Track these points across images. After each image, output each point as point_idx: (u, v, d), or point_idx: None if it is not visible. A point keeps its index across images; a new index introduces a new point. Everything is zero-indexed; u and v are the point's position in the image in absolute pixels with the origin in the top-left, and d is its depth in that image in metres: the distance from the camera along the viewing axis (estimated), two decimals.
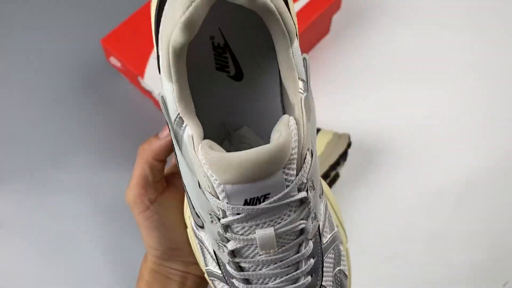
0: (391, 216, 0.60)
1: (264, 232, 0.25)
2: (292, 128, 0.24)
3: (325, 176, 0.57)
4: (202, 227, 0.29)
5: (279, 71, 0.27)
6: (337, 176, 0.61)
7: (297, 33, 0.27)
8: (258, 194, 0.24)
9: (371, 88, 0.66)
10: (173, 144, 0.27)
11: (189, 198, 0.28)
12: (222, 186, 0.23)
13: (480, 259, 0.57)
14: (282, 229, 0.25)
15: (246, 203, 0.24)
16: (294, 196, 0.24)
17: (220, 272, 0.29)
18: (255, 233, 0.25)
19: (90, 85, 0.61)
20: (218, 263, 0.29)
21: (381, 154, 0.62)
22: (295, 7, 0.59)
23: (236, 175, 0.23)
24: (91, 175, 0.55)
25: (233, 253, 0.27)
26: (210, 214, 0.26)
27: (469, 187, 0.59)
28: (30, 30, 0.63)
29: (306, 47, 0.67)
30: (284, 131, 0.23)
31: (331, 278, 0.30)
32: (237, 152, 0.23)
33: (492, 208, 0.58)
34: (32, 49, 0.63)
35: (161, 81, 0.27)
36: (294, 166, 0.24)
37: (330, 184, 0.60)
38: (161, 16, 0.25)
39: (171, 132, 0.26)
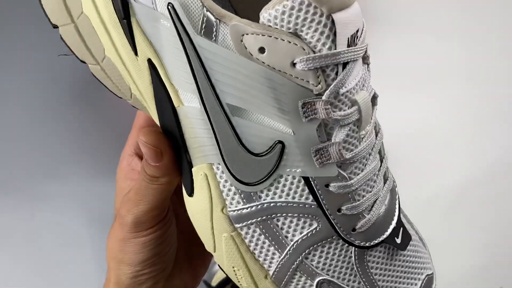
0: None
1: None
2: None
3: None
4: (264, 179, 0.23)
5: None
6: None
7: None
8: (356, 27, 0.22)
9: None
10: (195, 73, 0.22)
11: (239, 142, 0.23)
12: (330, 19, 0.20)
13: (474, 264, 0.56)
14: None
15: (348, 43, 0.21)
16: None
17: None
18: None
19: (81, 94, 0.59)
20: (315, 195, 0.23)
21: None
22: None
23: None
24: (83, 185, 0.55)
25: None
26: (304, 107, 0.21)
27: (462, 193, 0.59)
28: (19, 38, 0.61)
29: None
30: None
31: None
32: None
33: (485, 213, 0.59)
34: (21, 57, 0.60)
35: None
36: None
37: None
38: None
39: (192, 50, 0.22)
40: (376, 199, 0.24)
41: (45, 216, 0.55)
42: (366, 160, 0.24)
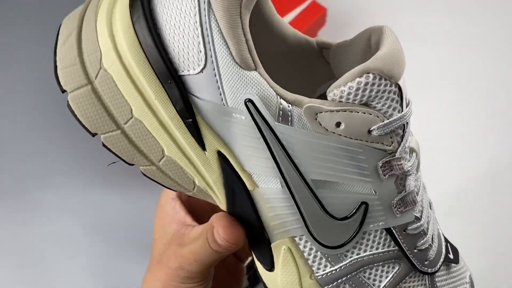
0: None
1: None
2: None
3: None
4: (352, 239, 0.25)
5: None
6: None
7: None
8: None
9: None
10: (275, 155, 0.23)
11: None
12: (397, 87, 0.23)
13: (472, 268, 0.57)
14: None
15: (406, 103, 0.24)
16: None
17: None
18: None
19: None
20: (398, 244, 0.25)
21: None
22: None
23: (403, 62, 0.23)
24: (78, 196, 0.56)
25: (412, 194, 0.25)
26: (383, 166, 0.23)
27: (460, 199, 0.58)
28: (14, 48, 0.64)
29: None
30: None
31: None
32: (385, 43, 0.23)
33: (482, 219, 0.58)
34: (16, 65, 0.63)
35: (228, 97, 0.22)
36: None
37: None
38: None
39: (273, 138, 0.23)
40: (432, 228, 0.27)
41: (41, 226, 0.55)
42: (422, 195, 0.26)
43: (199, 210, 0.31)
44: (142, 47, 0.22)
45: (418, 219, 0.25)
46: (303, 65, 0.27)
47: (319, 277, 0.25)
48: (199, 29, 0.21)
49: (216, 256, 0.27)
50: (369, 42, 0.24)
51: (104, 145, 0.24)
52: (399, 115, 0.22)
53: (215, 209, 0.31)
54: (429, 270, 0.26)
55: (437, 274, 0.27)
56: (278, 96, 0.22)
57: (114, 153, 0.24)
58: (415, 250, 0.25)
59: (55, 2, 0.67)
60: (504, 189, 0.58)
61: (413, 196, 0.24)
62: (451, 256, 0.28)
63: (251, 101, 0.21)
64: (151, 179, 0.25)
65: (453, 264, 0.28)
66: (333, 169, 0.23)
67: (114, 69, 0.22)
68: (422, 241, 0.25)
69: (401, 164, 0.23)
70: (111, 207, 0.56)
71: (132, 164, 0.24)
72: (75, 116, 0.23)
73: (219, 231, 0.24)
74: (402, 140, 0.23)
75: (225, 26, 0.21)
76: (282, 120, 0.22)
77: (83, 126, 0.23)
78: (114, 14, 0.22)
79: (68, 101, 0.23)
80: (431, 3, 0.71)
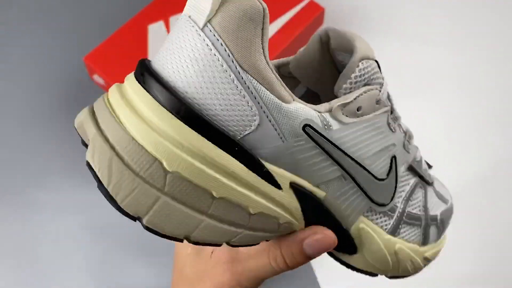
0: None
1: None
2: None
3: None
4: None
5: None
6: None
7: None
8: None
9: None
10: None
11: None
12: (376, 62, 0.28)
13: (468, 271, 0.55)
14: None
15: None
16: None
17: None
18: None
19: (74, 103, 0.61)
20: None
21: None
22: (279, 23, 0.60)
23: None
24: (75, 195, 0.56)
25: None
26: (390, 121, 0.29)
27: (457, 199, 0.58)
28: (12, 48, 0.64)
29: None
30: None
31: None
32: None
33: (480, 219, 0.57)
34: (15, 66, 0.63)
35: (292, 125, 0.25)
36: None
37: None
38: None
39: (330, 145, 0.26)
40: None
41: (39, 225, 0.55)
42: None
43: None
44: (199, 134, 0.22)
45: (416, 147, 0.31)
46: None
47: (388, 231, 0.29)
48: (243, 91, 0.23)
49: (276, 273, 0.29)
50: (321, 44, 0.29)
51: (196, 243, 0.23)
52: (384, 81, 0.28)
53: None
54: (433, 181, 0.33)
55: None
56: (316, 111, 0.25)
57: (208, 243, 0.24)
58: (424, 171, 0.32)
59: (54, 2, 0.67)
60: (503, 190, 0.58)
61: (410, 133, 0.30)
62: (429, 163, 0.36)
63: (306, 125, 0.24)
64: (240, 246, 0.25)
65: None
66: (373, 144, 0.27)
67: (182, 167, 0.22)
68: (423, 163, 0.32)
69: (396, 115, 0.29)
70: (110, 206, 0.52)
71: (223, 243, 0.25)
72: (159, 234, 0.23)
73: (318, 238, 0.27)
74: (392, 102, 0.29)
75: (260, 78, 0.23)
76: (327, 128, 0.25)
77: (170, 238, 0.23)
78: (147, 118, 0.22)
79: (146, 225, 0.22)
80: (430, 3, 0.72)
